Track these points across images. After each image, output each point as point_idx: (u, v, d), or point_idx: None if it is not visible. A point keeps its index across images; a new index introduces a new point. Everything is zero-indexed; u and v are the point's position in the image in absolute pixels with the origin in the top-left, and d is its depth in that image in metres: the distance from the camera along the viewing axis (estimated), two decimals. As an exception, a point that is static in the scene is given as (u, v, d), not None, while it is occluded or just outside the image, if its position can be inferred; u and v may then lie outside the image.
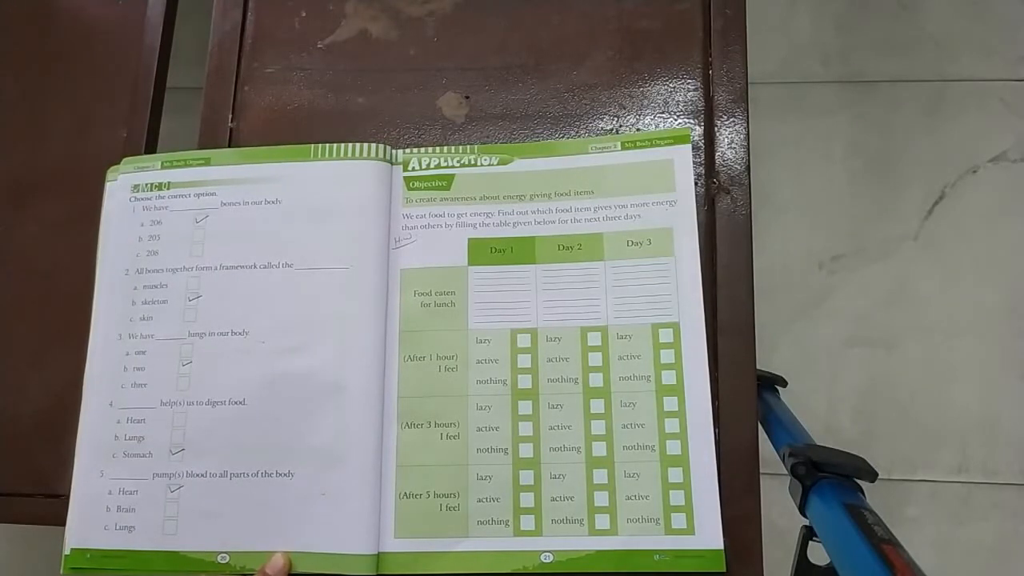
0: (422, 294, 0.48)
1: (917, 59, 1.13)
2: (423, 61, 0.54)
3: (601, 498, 0.44)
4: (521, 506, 0.44)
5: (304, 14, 0.56)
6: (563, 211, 0.49)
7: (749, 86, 0.51)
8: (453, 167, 0.50)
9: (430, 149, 0.51)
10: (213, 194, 0.49)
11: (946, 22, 1.14)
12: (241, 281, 0.47)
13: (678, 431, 0.45)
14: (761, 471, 0.45)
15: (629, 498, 0.44)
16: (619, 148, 0.49)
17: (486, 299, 0.47)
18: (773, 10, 1.17)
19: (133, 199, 0.50)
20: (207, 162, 0.50)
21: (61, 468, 0.46)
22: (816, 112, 1.14)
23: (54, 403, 0.51)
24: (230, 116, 0.54)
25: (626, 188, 0.48)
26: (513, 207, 0.49)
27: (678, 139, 0.49)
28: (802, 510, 0.51)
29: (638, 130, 0.51)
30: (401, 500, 0.45)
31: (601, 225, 0.48)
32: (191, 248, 0.48)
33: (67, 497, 0.46)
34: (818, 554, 0.49)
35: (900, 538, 0.41)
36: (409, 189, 0.50)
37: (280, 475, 0.45)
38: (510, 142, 0.52)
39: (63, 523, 0.45)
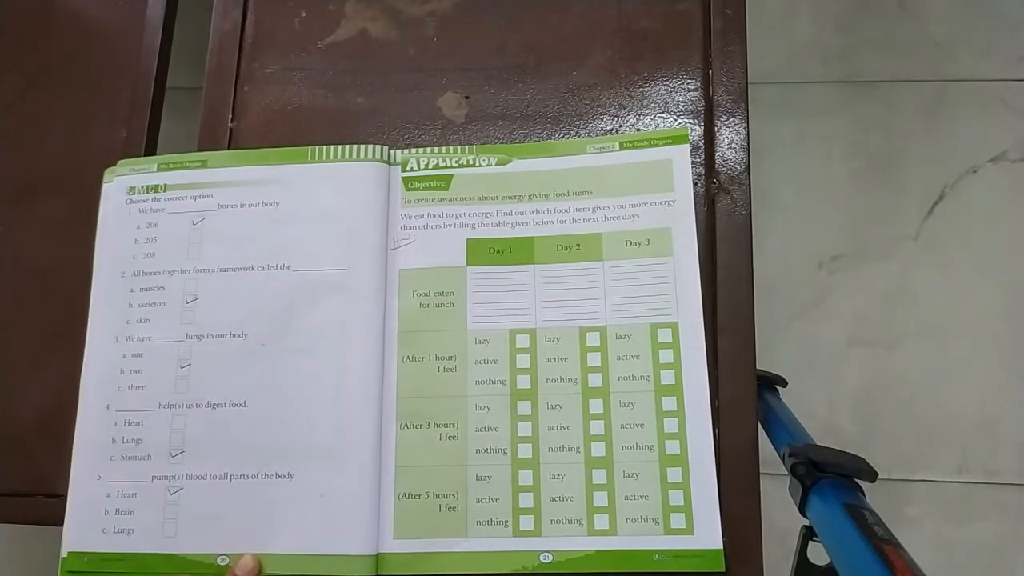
0: (421, 295, 0.48)
1: (917, 59, 1.13)
2: (423, 61, 0.54)
3: (600, 498, 0.44)
4: (520, 506, 0.44)
5: (304, 14, 0.56)
6: (561, 211, 0.49)
7: (749, 86, 0.51)
8: (451, 167, 0.50)
9: (428, 149, 0.51)
10: (210, 196, 0.49)
11: (946, 22, 1.14)
12: (239, 283, 0.47)
13: (677, 431, 0.45)
14: (761, 471, 0.45)
15: (628, 498, 0.44)
16: (617, 148, 0.49)
17: (485, 299, 0.47)
18: (773, 10, 1.17)
19: (129, 201, 0.50)
20: (204, 164, 0.50)
21: (61, 468, 0.46)
22: (816, 112, 1.14)
23: (54, 403, 0.51)
24: (230, 116, 0.54)
25: (624, 188, 0.48)
26: (511, 207, 0.49)
27: (676, 139, 0.49)
28: (802, 510, 0.51)
29: (638, 130, 0.51)
30: (400, 501, 0.45)
31: (599, 225, 0.48)
32: (188, 250, 0.48)
33: (67, 498, 0.46)
34: (818, 554, 0.49)
35: (900, 538, 0.41)
36: (408, 189, 0.50)
37: (280, 477, 0.45)
38: (510, 142, 0.52)
39: (63, 523, 0.45)
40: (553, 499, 0.44)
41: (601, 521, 0.44)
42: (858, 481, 0.49)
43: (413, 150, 0.51)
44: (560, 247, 0.48)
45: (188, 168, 0.50)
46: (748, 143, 0.50)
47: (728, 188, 0.49)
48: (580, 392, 0.46)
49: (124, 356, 0.47)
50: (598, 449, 0.45)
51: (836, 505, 0.46)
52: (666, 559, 0.43)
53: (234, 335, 0.47)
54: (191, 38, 0.61)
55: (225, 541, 0.44)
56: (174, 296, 0.48)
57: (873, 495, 0.48)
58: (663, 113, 0.51)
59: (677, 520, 0.43)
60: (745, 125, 0.50)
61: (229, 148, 0.53)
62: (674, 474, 0.44)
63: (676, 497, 0.44)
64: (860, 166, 1.11)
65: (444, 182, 0.50)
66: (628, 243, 0.48)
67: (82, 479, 0.46)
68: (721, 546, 0.43)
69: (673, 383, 0.45)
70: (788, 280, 1.09)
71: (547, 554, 0.43)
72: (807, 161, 1.12)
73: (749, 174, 0.49)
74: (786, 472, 0.54)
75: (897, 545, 0.40)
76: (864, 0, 1.16)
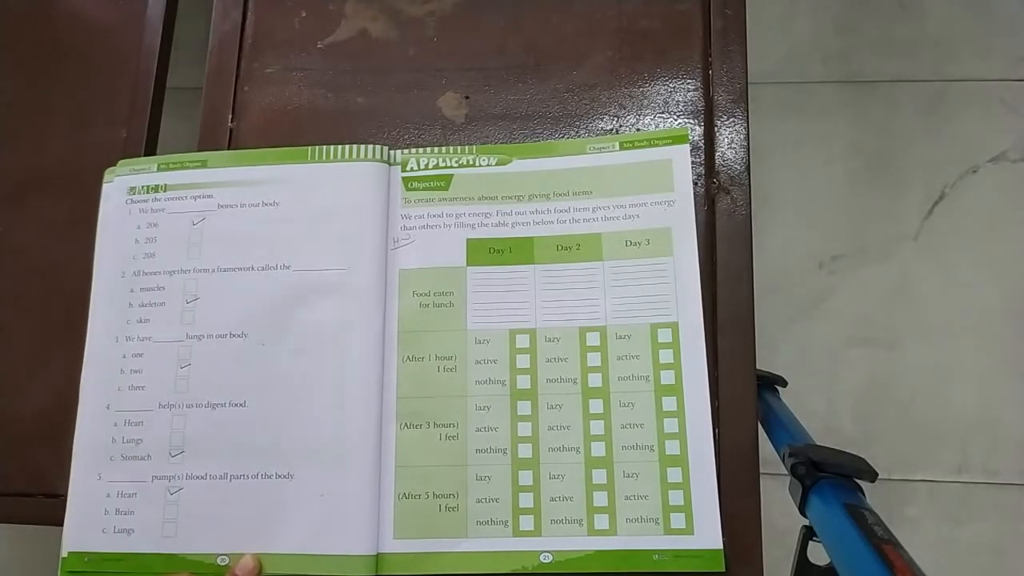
0: (421, 295, 0.48)
1: (917, 59, 1.13)
2: (423, 61, 0.54)
3: (600, 498, 0.44)
4: (520, 506, 0.44)
5: (304, 14, 0.56)
6: (561, 211, 0.49)
7: (749, 86, 0.51)
8: (451, 167, 0.50)
9: (428, 149, 0.51)
10: (210, 196, 0.49)
11: (946, 22, 1.14)
12: (239, 283, 0.47)
13: (677, 431, 0.45)
14: (761, 471, 0.45)
15: (628, 498, 0.44)
16: (617, 148, 0.49)
17: (485, 299, 0.47)
18: (773, 10, 1.17)
19: (129, 201, 0.50)
20: (204, 164, 0.50)
21: (61, 468, 0.46)
22: (816, 112, 1.14)
23: (54, 403, 0.51)
24: (230, 116, 0.54)
25: (624, 188, 0.48)
26: (511, 207, 0.49)
27: (676, 139, 0.49)
28: (802, 510, 0.51)
29: (638, 130, 0.51)
30: (400, 501, 0.45)
31: (599, 225, 0.48)
32: (188, 250, 0.48)
33: (67, 498, 0.46)
34: (818, 554, 0.49)
35: (900, 538, 0.41)
36: (408, 190, 0.50)
37: (280, 476, 0.45)
38: (510, 142, 0.52)
39: (63, 523, 0.45)
40: (553, 499, 0.44)
41: (601, 521, 0.44)
42: (858, 481, 0.49)
43: (413, 150, 0.51)
44: (560, 247, 0.48)
45: (188, 168, 0.50)
46: (748, 143, 0.50)
47: (728, 188, 0.49)
48: (580, 392, 0.46)
49: (124, 356, 0.47)
50: (598, 449, 0.45)
51: (836, 505, 0.46)
52: (666, 559, 0.43)
53: (234, 335, 0.47)
54: (191, 38, 0.61)
55: (225, 541, 0.44)
56: (174, 296, 0.48)
57: (873, 495, 0.48)
58: (663, 113, 0.51)
59: (677, 520, 0.43)
60: (745, 125, 0.50)
61: (229, 148, 0.53)
62: (674, 474, 0.44)
63: (676, 497, 0.44)
64: (860, 166, 1.11)
65: (444, 182, 0.50)
66: (628, 243, 0.48)
67: (82, 479, 0.46)
68: (721, 546, 0.43)
69: (673, 383, 0.45)
70: (788, 280, 1.09)
71: (547, 554, 0.43)
72: (807, 161, 1.12)
73: (749, 174, 0.49)
74: (786, 472, 0.54)
75: (897, 545, 0.40)
76: (864, 0, 1.16)
